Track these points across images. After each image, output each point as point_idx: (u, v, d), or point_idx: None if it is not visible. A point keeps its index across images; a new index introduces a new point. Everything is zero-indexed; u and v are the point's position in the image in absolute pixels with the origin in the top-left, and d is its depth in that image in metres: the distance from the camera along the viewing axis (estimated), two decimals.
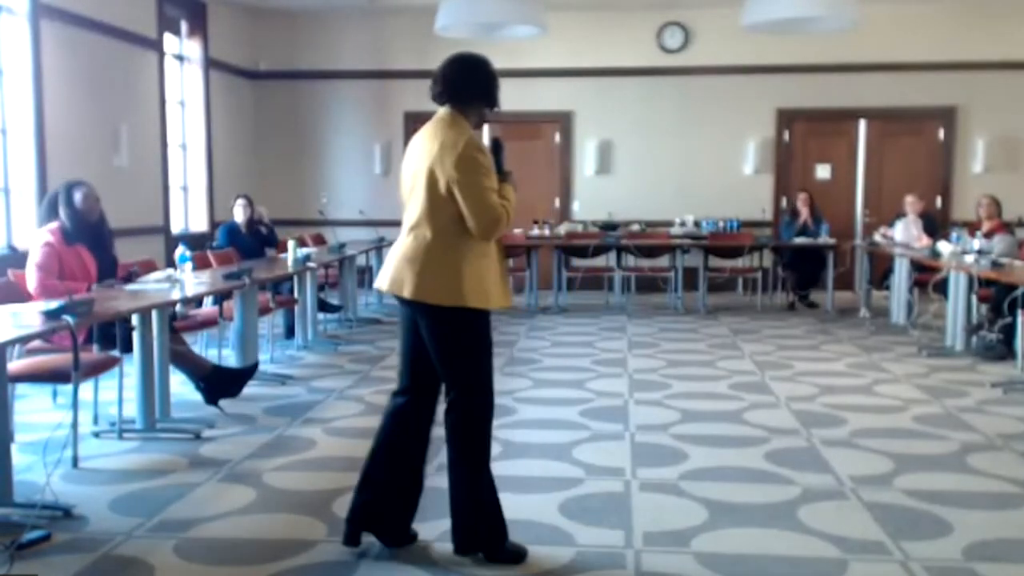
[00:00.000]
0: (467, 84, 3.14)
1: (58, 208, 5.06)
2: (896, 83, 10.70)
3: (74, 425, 3.99)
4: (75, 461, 4.14)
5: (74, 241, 5.04)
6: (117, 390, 4.64)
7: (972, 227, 8.02)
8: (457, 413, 3.10)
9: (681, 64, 10.90)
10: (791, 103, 10.93)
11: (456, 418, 3.10)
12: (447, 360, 3.09)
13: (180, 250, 5.61)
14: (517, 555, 3.14)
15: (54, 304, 3.72)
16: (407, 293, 3.05)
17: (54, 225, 5.02)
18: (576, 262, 9.91)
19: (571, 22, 10.73)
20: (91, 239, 5.16)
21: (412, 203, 3.10)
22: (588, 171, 11.20)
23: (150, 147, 8.69)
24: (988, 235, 7.53)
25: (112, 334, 4.70)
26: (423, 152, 3.08)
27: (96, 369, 4.37)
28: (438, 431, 3.19)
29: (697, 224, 10.59)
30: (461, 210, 3.00)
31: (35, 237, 5.05)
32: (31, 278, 4.85)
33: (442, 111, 3.14)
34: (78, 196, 5.09)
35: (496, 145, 3.18)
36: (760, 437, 4.65)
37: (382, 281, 3.17)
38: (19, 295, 4.69)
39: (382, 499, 3.15)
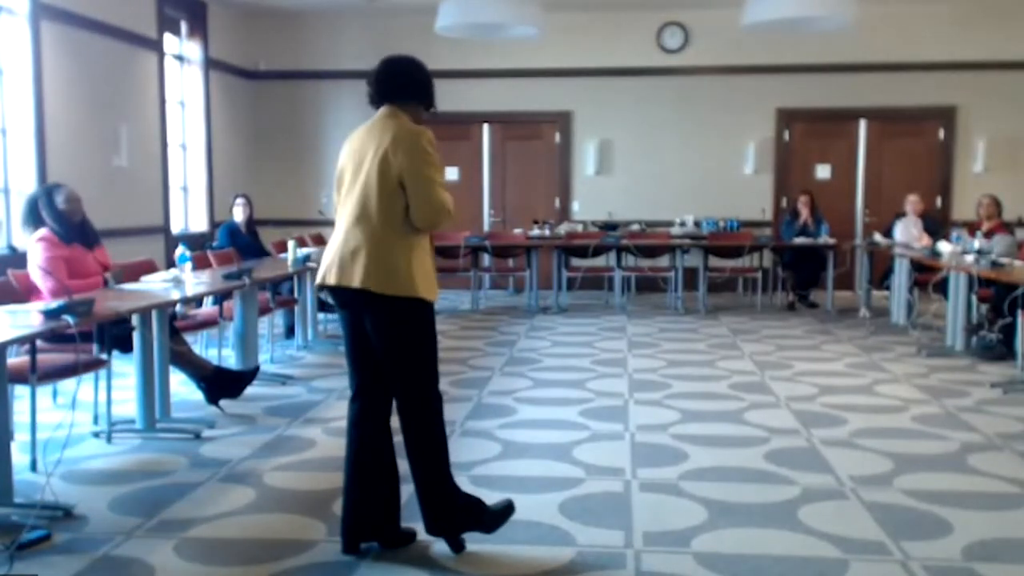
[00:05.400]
0: (406, 84, 3.17)
1: (40, 212, 5.03)
2: (896, 83, 10.69)
3: (71, 425, 3.99)
4: (73, 461, 4.14)
5: (69, 242, 5.04)
6: (106, 391, 4.60)
7: (972, 227, 8.03)
8: (410, 409, 3.10)
9: (681, 64, 10.90)
10: (791, 103, 10.92)
11: (409, 414, 3.10)
12: (397, 354, 3.07)
13: (180, 250, 5.61)
14: (506, 511, 3.24)
15: (54, 304, 3.72)
16: (357, 283, 3.01)
17: (43, 232, 4.98)
18: (576, 262, 9.89)
19: (571, 22, 10.73)
20: (80, 239, 5.15)
21: (354, 197, 3.08)
22: (588, 171, 11.19)
23: (150, 147, 8.69)
24: (988, 235, 7.53)
25: (113, 334, 4.70)
26: (369, 146, 3.08)
27: (77, 371, 4.27)
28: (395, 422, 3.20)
29: (697, 224, 10.59)
30: (408, 203, 3.03)
31: (30, 246, 4.98)
32: (41, 285, 4.81)
33: (384, 110, 3.15)
34: (60, 198, 5.06)
35: None
36: (760, 437, 4.65)
37: (328, 276, 3.09)
38: (19, 295, 4.68)
39: (368, 506, 3.16)
